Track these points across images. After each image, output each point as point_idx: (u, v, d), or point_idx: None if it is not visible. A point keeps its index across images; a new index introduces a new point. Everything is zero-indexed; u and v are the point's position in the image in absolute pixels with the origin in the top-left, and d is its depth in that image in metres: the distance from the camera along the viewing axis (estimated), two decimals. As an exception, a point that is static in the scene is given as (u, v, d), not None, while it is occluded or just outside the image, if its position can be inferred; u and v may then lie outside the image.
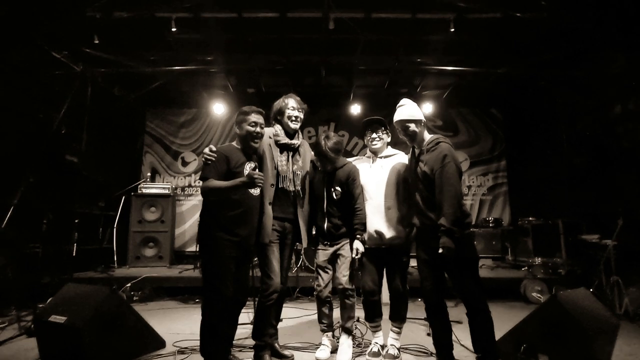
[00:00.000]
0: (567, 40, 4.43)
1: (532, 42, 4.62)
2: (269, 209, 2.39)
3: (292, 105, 2.53)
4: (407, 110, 2.35)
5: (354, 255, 2.48)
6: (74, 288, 2.56)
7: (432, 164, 2.21)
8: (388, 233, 2.50)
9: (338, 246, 2.59)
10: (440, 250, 2.07)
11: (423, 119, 2.36)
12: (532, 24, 4.23)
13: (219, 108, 6.00)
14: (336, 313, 2.66)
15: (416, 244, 2.41)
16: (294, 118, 2.53)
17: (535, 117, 6.04)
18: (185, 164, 6.56)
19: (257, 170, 2.27)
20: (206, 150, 2.26)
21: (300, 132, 2.62)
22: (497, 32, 4.49)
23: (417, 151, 2.39)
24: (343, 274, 2.52)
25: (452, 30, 4.27)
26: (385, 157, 2.65)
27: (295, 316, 3.62)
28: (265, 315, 2.37)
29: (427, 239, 2.25)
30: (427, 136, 2.37)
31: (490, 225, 5.75)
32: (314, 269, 2.92)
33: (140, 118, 6.57)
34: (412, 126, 2.32)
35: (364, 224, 2.53)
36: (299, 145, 2.57)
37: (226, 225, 2.17)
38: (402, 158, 2.63)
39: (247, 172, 2.23)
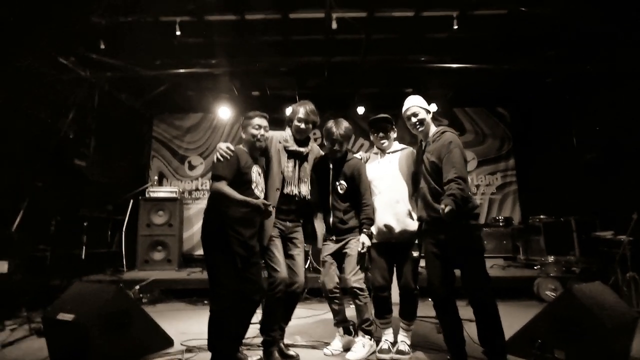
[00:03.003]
0: (575, 36, 4.36)
1: (539, 38, 4.56)
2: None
3: (299, 117, 2.51)
4: (416, 98, 2.46)
5: (359, 249, 2.45)
6: (82, 286, 2.58)
7: (438, 152, 2.24)
8: (397, 227, 2.48)
9: (343, 242, 2.56)
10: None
11: (431, 110, 2.45)
12: (538, 19, 4.18)
13: (224, 112, 6.01)
14: (351, 311, 2.62)
15: (423, 237, 2.38)
16: (300, 129, 2.51)
17: (542, 114, 5.94)
18: (192, 167, 6.60)
19: (261, 175, 2.38)
20: (222, 146, 2.22)
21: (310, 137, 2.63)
22: (503, 28, 4.44)
23: (423, 144, 2.41)
24: (350, 273, 2.47)
25: (456, 27, 4.25)
26: (394, 152, 2.66)
27: (304, 316, 3.57)
28: (274, 309, 2.35)
29: (435, 231, 2.22)
30: (433, 129, 2.40)
31: (501, 224, 5.63)
32: (321, 268, 2.89)
33: (147, 123, 6.64)
34: (422, 113, 2.38)
35: (372, 219, 2.52)
36: (307, 153, 2.57)
37: (232, 225, 2.17)
38: (410, 152, 2.63)
39: (254, 175, 2.30)
